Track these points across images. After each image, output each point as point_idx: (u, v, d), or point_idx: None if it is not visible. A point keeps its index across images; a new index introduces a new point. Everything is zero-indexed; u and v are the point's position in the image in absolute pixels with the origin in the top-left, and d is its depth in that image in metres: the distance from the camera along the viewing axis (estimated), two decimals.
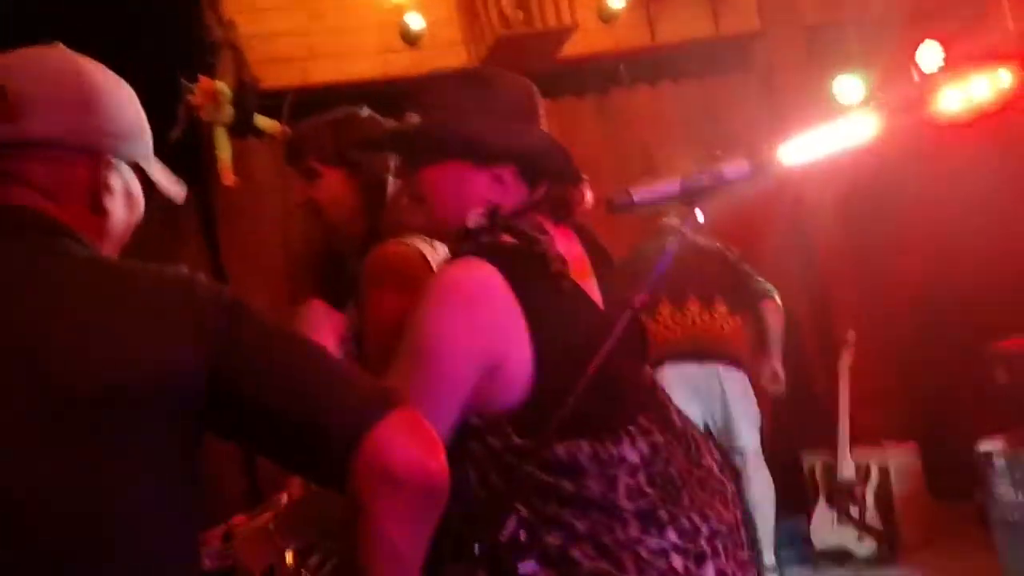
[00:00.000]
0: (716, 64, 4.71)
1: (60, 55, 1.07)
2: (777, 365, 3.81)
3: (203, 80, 3.38)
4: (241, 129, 3.54)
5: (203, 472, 1.01)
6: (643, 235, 3.51)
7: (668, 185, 1.33)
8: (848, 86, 4.04)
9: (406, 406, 0.97)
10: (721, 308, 3.73)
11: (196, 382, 0.96)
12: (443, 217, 1.32)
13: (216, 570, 1.67)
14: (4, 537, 0.88)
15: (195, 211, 4.16)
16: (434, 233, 1.46)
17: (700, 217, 1.31)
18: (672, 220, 3.36)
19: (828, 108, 4.08)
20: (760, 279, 3.84)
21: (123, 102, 1.08)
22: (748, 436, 3.74)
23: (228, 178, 3.55)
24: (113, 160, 1.05)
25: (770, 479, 3.78)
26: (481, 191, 1.29)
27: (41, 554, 0.89)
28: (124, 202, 1.08)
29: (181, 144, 3.51)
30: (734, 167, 1.34)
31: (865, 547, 3.87)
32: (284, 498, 1.73)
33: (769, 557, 3.79)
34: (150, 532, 0.94)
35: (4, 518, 0.88)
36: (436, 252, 1.59)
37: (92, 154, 1.03)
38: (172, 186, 1.15)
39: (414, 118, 1.35)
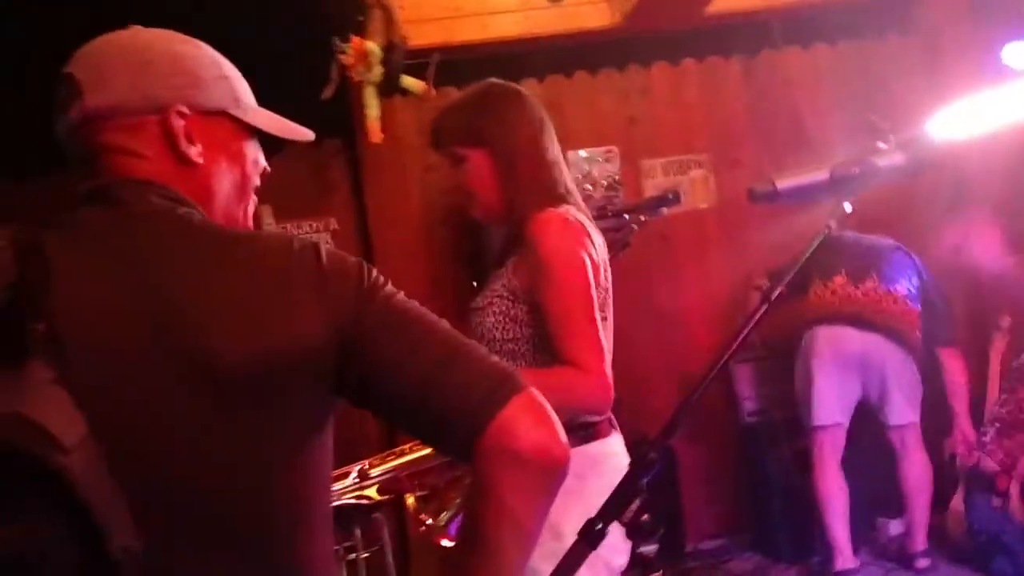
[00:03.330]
0: (874, 25, 4.46)
1: (129, 33, 1.09)
2: (966, 427, 3.71)
3: (355, 41, 3.46)
4: (388, 88, 3.62)
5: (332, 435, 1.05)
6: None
7: (816, 175, 1.29)
8: (1019, 51, 3.75)
9: (529, 389, 1.01)
10: (901, 291, 3.63)
11: (325, 353, 0.99)
12: None
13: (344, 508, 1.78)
14: (160, 510, 0.92)
15: (344, 164, 4.33)
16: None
17: (848, 209, 1.27)
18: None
19: (996, 75, 3.81)
20: (951, 324, 3.74)
21: (195, 57, 1.08)
22: (906, 415, 3.64)
23: (375, 135, 3.65)
24: (185, 110, 1.06)
25: (928, 462, 3.68)
26: None
27: (197, 523, 0.95)
28: (218, 152, 1.08)
29: (333, 101, 3.64)
30: (888, 157, 1.29)
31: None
32: (409, 448, 1.83)
33: (922, 542, 3.71)
34: (293, 497, 0.99)
35: (156, 490, 0.92)
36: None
37: (158, 109, 1.05)
38: (288, 130, 1.15)
39: None
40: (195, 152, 1.06)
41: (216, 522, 0.96)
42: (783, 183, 1.27)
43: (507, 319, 1.73)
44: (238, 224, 1.13)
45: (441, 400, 0.99)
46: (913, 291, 3.67)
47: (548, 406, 1.01)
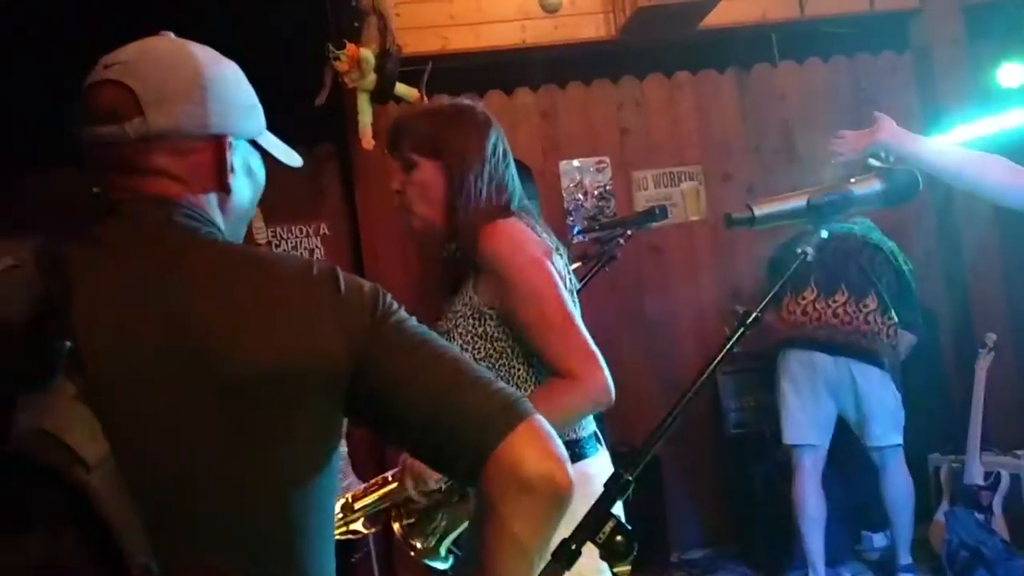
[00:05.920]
0: (868, 41, 4.50)
1: (172, 45, 1.09)
2: None
3: (350, 47, 3.47)
4: (382, 95, 3.63)
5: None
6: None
7: (793, 201, 1.30)
8: (1012, 71, 3.79)
9: (535, 415, 1.02)
10: (871, 305, 3.61)
11: (340, 375, 1.00)
12: None
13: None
14: (176, 527, 0.94)
15: (335, 169, 4.34)
16: None
17: (824, 235, 1.28)
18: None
19: (988, 93, 3.84)
20: (917, 310, 3.72)
21: (236, 82, 1.11)
22: (884, 436, 3.63)
23: (368, 142, 3.65)
24: (232, 140, 1.08)
25: (909, 479, 3.68)
26: None
27: (211, 540, 0.96)
28: (246, 180, 1.12)
29: (326, 107, 3.65)
30: (865, 185, 1.31)
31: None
32: (390, 477, 1.81)
33: (905, 557, 3.72)
34: (305, 515, 1.01)
35: (173, 507, 0.94)
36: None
37: (212, 137, 1.06)
38: (288, 156, 1.17)
39: None
40: (231, 179, 1.09)
41: (230, 539, 0.97)
42: (760, 209, 1.28)
43: (475, 338, 1.71)
44: (240, 236, 1.16)
45: (448, 423, 1.01)
46: (884, 296, 3.63)
47: (554, 433, 1.03)
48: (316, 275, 1.04)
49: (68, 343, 0.86)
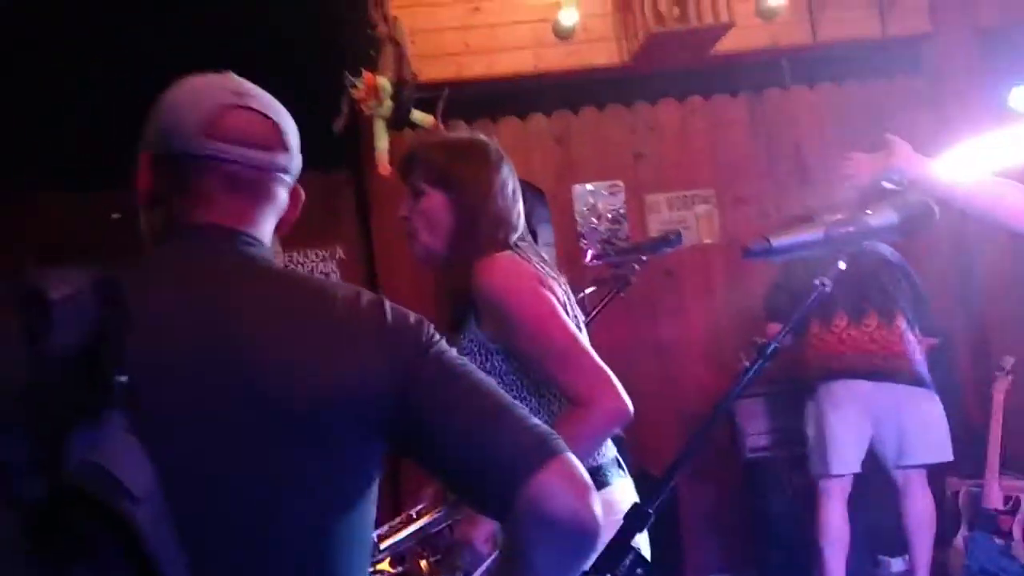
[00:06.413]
0: (881, 66, 4.51)
1: (257, 87, 1.14)
2: None
3: (366, 75, 3.52)
4: (398, 122, 3.67)
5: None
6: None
7: (811, 232, 1.32)
8: None
9: (566, 453, 1.03)
10: (901, 324, 3.62)
11: (385, 404, 1.02)
12: None
13: None
14: (220, 560, 0.96)
15: (351, 194, 4.38)
16: None
17: (842, 266, 1.29)
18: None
19: (1002, 118, 3.84)
20: (930, 312, 3.75)
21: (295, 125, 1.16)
22: (921, 456, 3.62)
23: (384, 168, 3.69)
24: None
25: (932, 502, 3.67)
26: None
27: (256, 560, 0.98)
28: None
29: (343, 133, 3.69)
30: (881, 216, 1.32)
31: None
32: (415, 514, 1.82)
33: None
34: (348, 548, 1.03)
35: (220, 532, 0.96)
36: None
37: (296, 178, 1.15)
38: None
39: None
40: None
41: (272, 572, 0.99)
42: (778, 240, 1.29)
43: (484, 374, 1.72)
44: None
45: (480, 456, 1.02)
46: (909, 314, 3.65)
47: (585, 474, 1.03)
48: (364, 305, 1.07)
49: (122, 376, 0.87)
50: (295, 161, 1.13)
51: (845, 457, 3.63)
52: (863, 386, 3.59)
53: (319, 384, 1.00)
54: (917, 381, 3.61)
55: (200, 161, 1.07)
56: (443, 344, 1.09)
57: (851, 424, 3.61)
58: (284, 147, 1.10)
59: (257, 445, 0.98)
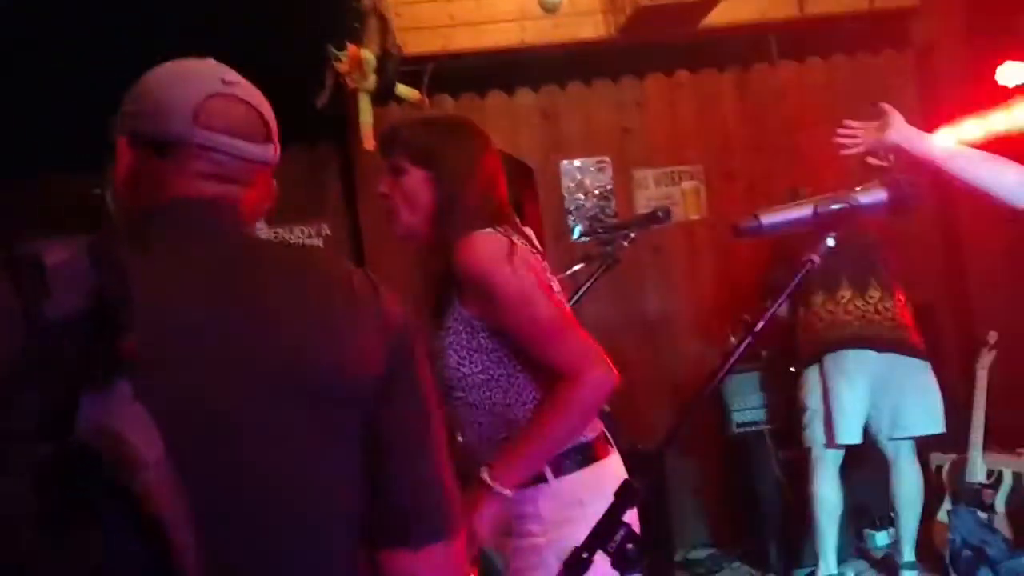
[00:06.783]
0: (868, 40, 4.49)
1: (242, 77, 1.13)
2: None
3: (350, 49, 3.48)
4: (383, 96, 3.63)
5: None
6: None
7: (800, 210, 1.31)
8: (1014, 70, 3.79)
9: (457, 539, 1.08)
10: (901, 297, 3.68)
11: (374, 384, 1.04)
12: None
13: None
14: (227, 528, 0.96)
15: (336, 170, 4.35)
16: None
17: (831, 243, 1.29)
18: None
19: (990, 92, 3.84)
20: None
21: None
22: (915, 428, 3.66)
23: (369, 142, 3.65)
24: None
25: (920, 475, 3.71)
26: None
27: (262, 540, 0.99)
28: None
29: (327, 108, 3.65)
30: (871, 194, 1.31)
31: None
32: None
33: (910, 554, 3.73)
34: (350, 515, 1.05)
35: (226, 508, 0.97)
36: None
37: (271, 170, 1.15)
38: None
39: None
40: None
41: (280, 538, 1.00)
42: (767, 218, 1.29)
43: (471, 351, 1.72)
44: None
45: (392, 501, 1.06)
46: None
47: (461, 559, 1.10)
48: (357, 279, 1.08)
49: (127, 342, 0.86)
50: (277, 151, 1.13)
51: (851, 428, 3.66)
52: (870, 356, 3.62)
53: (331, 351, 1.01)
54: (917, 352, 3.65)
55: (187, 148, 1.05)
56: (420, 355, 1.11)
57: (859, 394, 3.64)
58: (268, 138, 1.10)
59: (263, 411, 0.98)
